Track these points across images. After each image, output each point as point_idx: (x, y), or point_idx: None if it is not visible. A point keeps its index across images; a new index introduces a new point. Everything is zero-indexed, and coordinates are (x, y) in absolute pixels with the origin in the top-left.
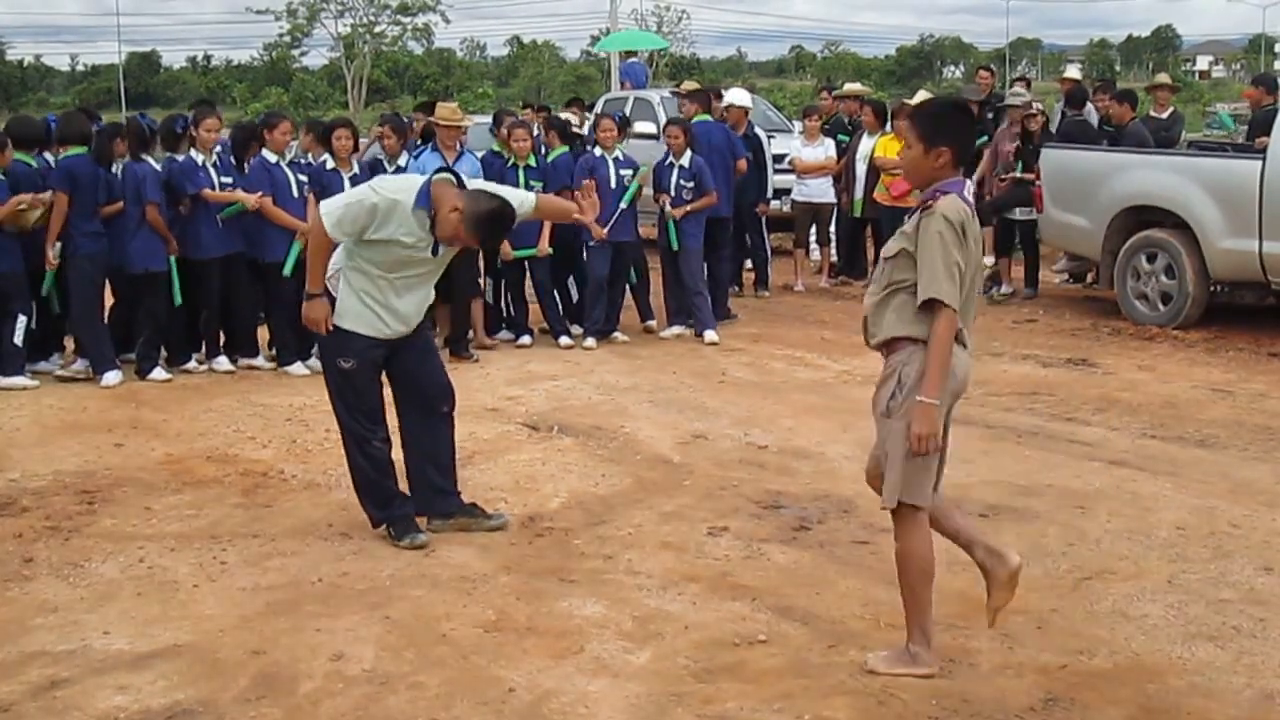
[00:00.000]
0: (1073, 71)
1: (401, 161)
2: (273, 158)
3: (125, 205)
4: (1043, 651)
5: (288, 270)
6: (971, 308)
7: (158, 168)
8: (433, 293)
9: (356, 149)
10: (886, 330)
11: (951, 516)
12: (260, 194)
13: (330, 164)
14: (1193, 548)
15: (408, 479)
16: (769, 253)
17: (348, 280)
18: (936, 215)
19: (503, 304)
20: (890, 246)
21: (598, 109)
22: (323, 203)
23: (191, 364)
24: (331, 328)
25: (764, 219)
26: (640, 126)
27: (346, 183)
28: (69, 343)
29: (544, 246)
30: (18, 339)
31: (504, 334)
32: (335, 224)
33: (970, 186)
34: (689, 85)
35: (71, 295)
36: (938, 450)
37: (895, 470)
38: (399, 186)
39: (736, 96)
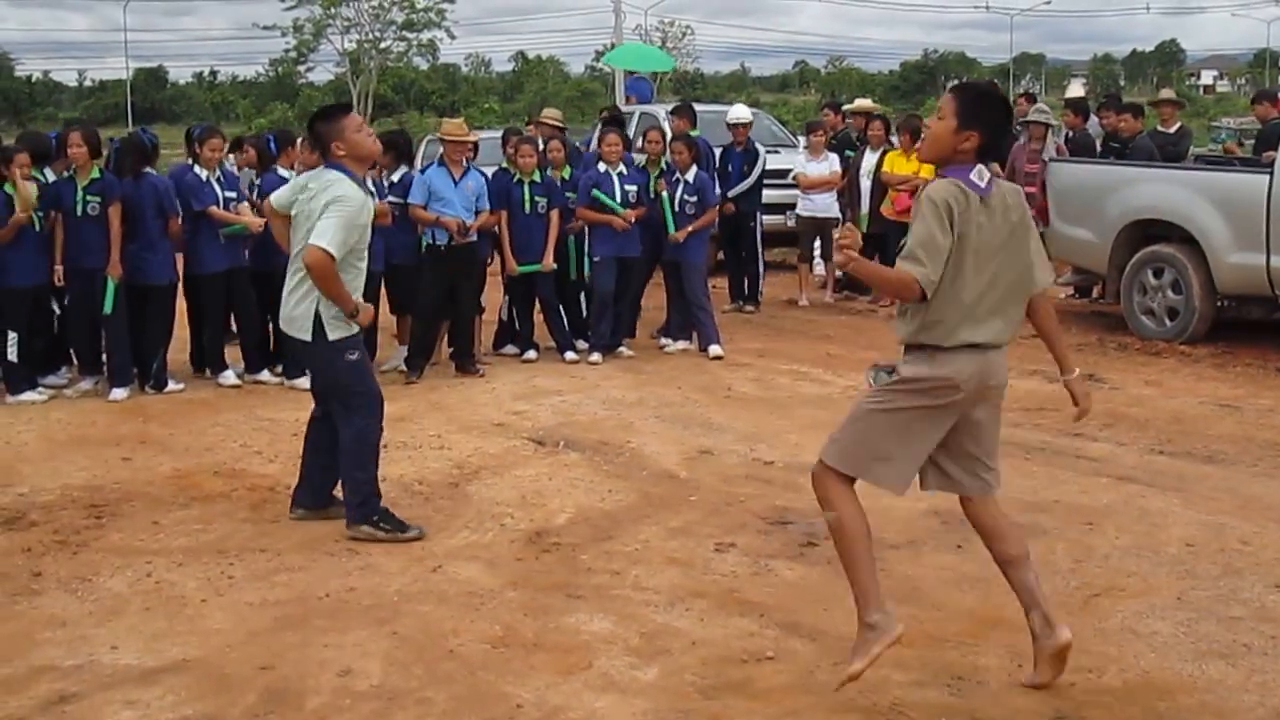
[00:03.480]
0: (1076, 88)
1: (395, 176)
2: (286, 174)
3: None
4: None
5: None
6: (988, 305)
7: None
8: None
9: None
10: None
11: (1021, 570)
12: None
13: None
14: (1202, 564)
15: (315, 470)
16: (762, 267)
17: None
18: (921, 196)
19: (508, 318)
20: None
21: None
22: (319, 240)
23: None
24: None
25: (760, 233)
26: None
27: None
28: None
29: (548, 262)
30: (11, 355)
31: (509, 348)
32: (341, 244)
33: (983, 172)
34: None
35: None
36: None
37: (840, 432)
38: (332, 181)
39: (736, 114)
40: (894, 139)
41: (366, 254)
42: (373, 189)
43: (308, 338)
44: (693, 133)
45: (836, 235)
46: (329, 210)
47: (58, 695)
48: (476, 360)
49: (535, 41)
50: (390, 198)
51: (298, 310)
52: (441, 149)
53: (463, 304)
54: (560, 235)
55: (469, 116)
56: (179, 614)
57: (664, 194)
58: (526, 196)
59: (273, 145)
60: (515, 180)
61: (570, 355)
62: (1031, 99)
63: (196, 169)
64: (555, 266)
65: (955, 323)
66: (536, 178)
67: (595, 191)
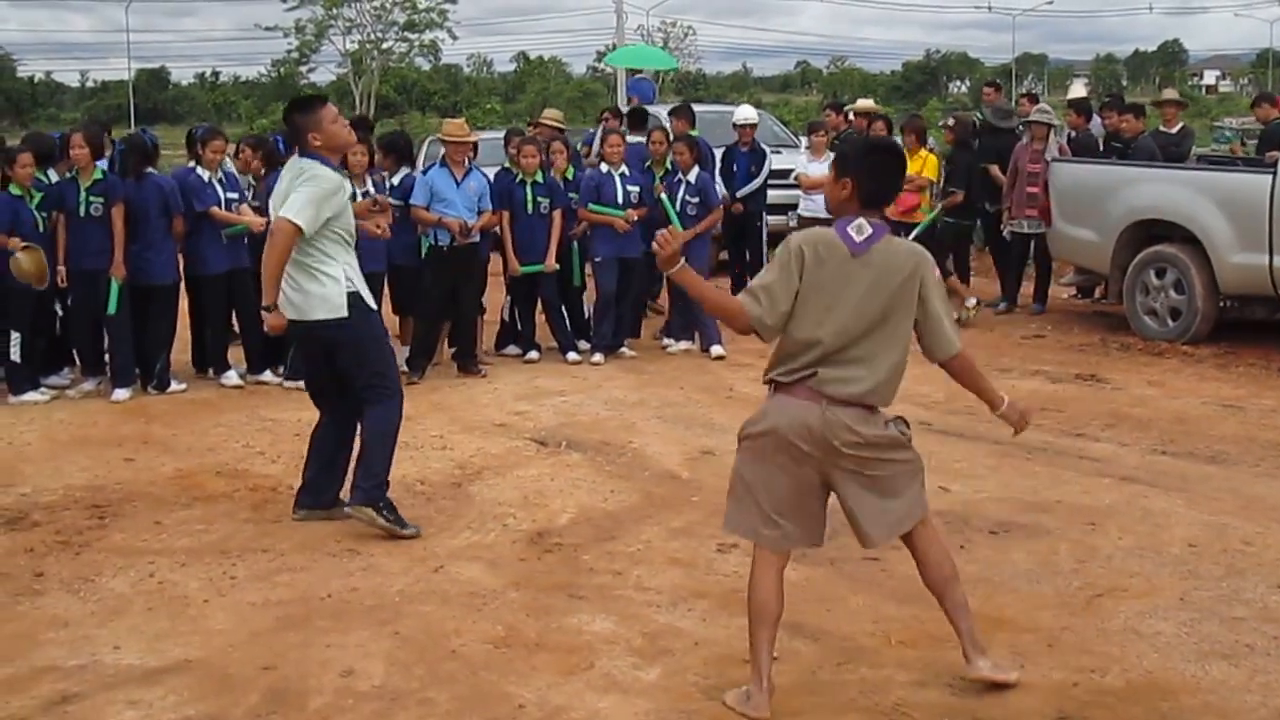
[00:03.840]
0: (1078, 88)
1: (396, 179)
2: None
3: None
4: (1054, 669)
5: None
6: (842, 357)
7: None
8: None
9: (373, 164)
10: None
11: (946, 598)
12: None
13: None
14: (1205, 565)
15: (318, 472)
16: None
17: (343, 273)
18: (785, 241)
19: (510, 319)
20: None
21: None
22: (286, 212)
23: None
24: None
25: (765, 234)
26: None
27: (358, 197)
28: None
29: (550, 262)
30: (14, 355)
31: (511, 349)
32: (311, 220)
33: (863, 227)
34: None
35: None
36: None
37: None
38: (306, 166)
39: (743, 114)
40: (896, 139)
41: (355, 243)
42: (372, 189)
43: (345, 314)
44: (692, 133)
45: (659, 235)
46: (299, 186)
47: (60, 695)
48: (478, 361)
49: (537, 42)
50: (392, 199)
51: (323, 293)
52: (443, 150)
53: (464, 304)
54: (562, 237)
55: (471, 117)
56: (181, 614)
57: (663, 196)
58: (529, 197)
59: (280, 146)
60: (517, 181)
61: (572, 356)
62: (1034, 99)
63: (199, 170)
64: (558, 267)
65: (801, 364)
66: (539, 178)
67: (593, 206)
